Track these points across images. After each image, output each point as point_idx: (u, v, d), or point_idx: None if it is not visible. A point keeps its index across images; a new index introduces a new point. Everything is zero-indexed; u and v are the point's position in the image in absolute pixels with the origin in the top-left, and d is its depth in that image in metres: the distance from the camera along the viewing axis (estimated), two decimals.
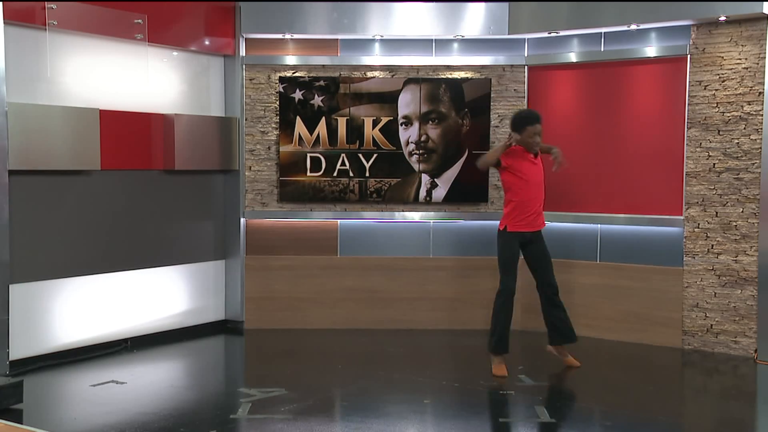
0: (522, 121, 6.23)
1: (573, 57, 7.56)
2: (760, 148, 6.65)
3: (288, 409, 5.37)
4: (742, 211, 6.79)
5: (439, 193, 7.76)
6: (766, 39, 6.59)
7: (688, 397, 6.18)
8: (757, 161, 6.68)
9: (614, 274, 7.43)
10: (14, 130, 5.93)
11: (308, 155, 7.74)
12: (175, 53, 7.38)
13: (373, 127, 7.72)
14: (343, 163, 7.75)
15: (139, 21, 6.84)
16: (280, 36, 7.71)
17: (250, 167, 7.82)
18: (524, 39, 7.73)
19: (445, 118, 7.72)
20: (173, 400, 5.72)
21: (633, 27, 7.12)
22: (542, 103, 7.75)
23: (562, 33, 7.47)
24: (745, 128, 6.75)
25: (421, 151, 7.73)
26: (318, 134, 7.73)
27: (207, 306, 7.78)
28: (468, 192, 7.76)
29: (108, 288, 6.89)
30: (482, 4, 7.53)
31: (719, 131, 6.87)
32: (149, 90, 7.12)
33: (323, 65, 7.79)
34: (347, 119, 7.73)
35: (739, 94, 6.77)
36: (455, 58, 7.79)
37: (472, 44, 7.79)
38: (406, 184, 7.77)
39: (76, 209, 6.62)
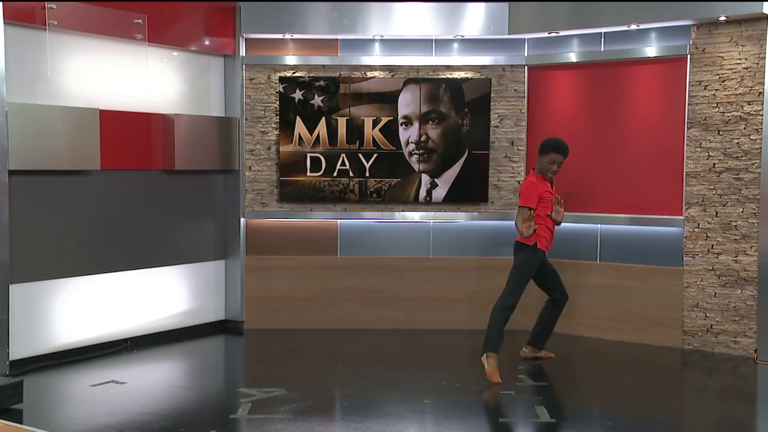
0: (549, 146, 6.48)
1: (573, 57, 7.56)
2: (760, 148, 6.65)
3: (288, 409, 5.37)
4: (742, 211, 6.79)
5: (439, 193, 7.76)
6: (766, 39, 6.59)
7: (688, 397, 6.18)
8: (757, 161, 6.68)
9: (614, 274, 7.43)
10: (14, 130, 5.94)
11: (308, 155, 7.74)
12: (175, 53, 7.38)
13: (373, 127, 7.72)
14: (343, 163, 7.75)
15: (139, 21, 6.84)
16: (280, 36, 7.71)
17: (250, 167, 7.82)
18: (524, 39, 7.73)
19: (445, 118, 7.72)
20: (173, 400, 5.72)
21: (633, 27, 7.12)
22: (542, 103, 7.76)
23: (562, 33, 7.47)
24: (745, 128, 6.75)
25: (421, 151, 7.73)
26: (318, 134, 7.73)
27: (207, 306, 7.78)
28: (468, 192, 7.76)
29: (108, 288, 6.89)
30: (482, 4, 7.53)
31: (719, 131, 6.87)
32: (149, 90, 7.12)
33: (323, 65, 7.79)
34: (347, 119, 7.73)
35: (739, 94, 6.77)
36: (455, 58, 7.79)
37: (472, 44, 7.79)
38: (406, 184, 7.77)
39: (76, 209, 6.62)
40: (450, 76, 7.77)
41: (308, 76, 7.75)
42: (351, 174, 7.75)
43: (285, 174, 7.77)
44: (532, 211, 6.34)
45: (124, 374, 6.22)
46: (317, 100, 7.72)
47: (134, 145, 6.97)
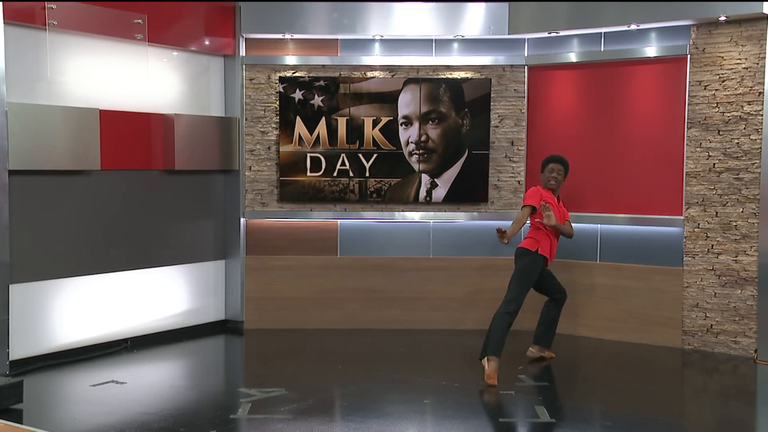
0: (546, 161, 6.69)
1: (573, 57, 7.56)
2: (760, 148, 6.65)
3: (288, 409, 5.37)
4: (742, 211, 6.79)
5: (439, 193, 7.76)
6: (766, 39, 6.59)
7: (688, 397, 6.18)
8: (757, 161, 6.68)
9: (614, 274, 7.43)
10: (14, 130, 5.94)
11: (308, 155, 7.74)
12: (175, 53, 7.38)
13: (373, 127, 7.72)
14: (343, 163, 7.75)
15: (139, 21, 6.84)
16: (280, 36, 7.71)
17: (250, 167, 7.82)
18: (524, 39, 7.73)
19: (445, 118, 7.72)
20: (173, 400, 5.72)
21: (633, 27, 7.12)
22: (542, 103, 7.76)
23: (562, 33, 7.47)
24: (745, 128, 6.75)
25: (421, 151, 7.73)
26: (318, 134, 7.73)
27: (207, 306, 7.78)
28: (468, 192, 7.76)
29: (108, 288, 6.89)
30: (482, 4, 7.53)
31: (719, 131, 6.87)
32: (149, 90, 7.12)
33: (323, 65, 7.79)
34: (347, 119, 7.73)
35: (739, 94, 6.77)
36: (455, 58, 7.79)
37: (472, 44, 7.79)
38: (406, 184, 7.77)
39: (76, 209, 6.62)
40: (450, 76, 7.77)
41: (308, 76, 7.75)
42: (351, 174, 7.75)
43: (285, 174, 7.77)
44: (530, 213, 6.40)
45: (124, 374, 6.22)
46: (317, 100, 7.72)
47: (134, 145, 6.97)
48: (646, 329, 7.26)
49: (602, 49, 7.43)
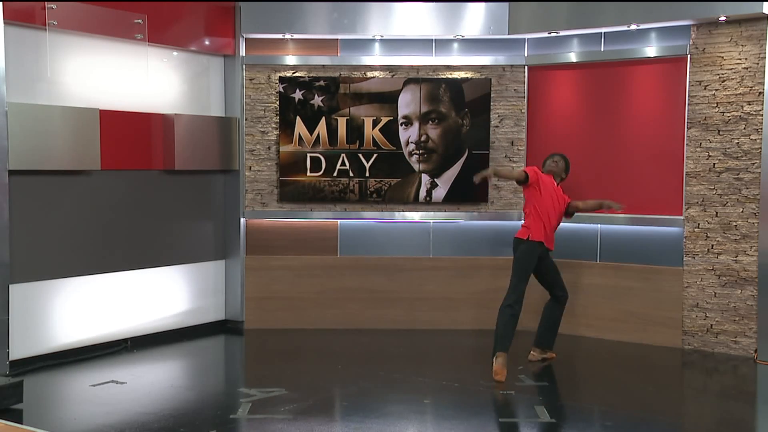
0: (546, 157, 6.85)
1: (573, 57, 7.56)
2: (760, 148, 6.65)
3: (288, 409, 5.37)
4: (742, 211, 6.79)
5: (439, 193, 7.76)
6: (766, 39, 6.59)
7: (688, 397, 6.18)
8: (757, 161, 6.68)
9: (614, 274, 7.43)
10: (14, 130, 5.94)
11: (308, 155, 7.74)
12: (175, 53, 7.38)
13: (373, 127, 7.72)
14: (343, 163, 7.75)
15: (139, 21, 6.84)
16: (280, 36, 7.71)
17: (250, 167, 7.82)
18: (524, 39, 7.73)
19: (445, 118, 7.72)
20: (173, 400, 5.72)
21: (633, 27, 7.12)
22: (542, 103, 7.76)
23: (562, 33, 7.47)
24: (745, 128, 6.75)
25: (421, 151, 7.73)
26: (318, 134, 7.73)
27: (207, 306, 7.78)
28: (468, 192, 7.76)
29: (108, 288, 6.89)
30: (482, 4, 7.53)
31: (719, 131, 6.87)
32: (149, 90, 7.12)
33: (323, 65, 7.79)
34: (347, 119, 7.73)
35: (739, 94, 6.77)
36: (455, 58, 7.79)
37: (472, 44, 7.79)
38: (406, 184, 7.77)
39: (76, 209, 6.62)
40: (450, 76, 7.77)
41: (308, 76, 7.75)
42: (351, 174, 7.75)
43: (285, 174, 7.77)
44: (523, 177, 6.44)
45: (124, 374, 6.22)
46: (317, 100, 7.72)
47: (134, 145, 6.97)
48: (646, 329, 7.26)
49: (602, 49, 7.43)
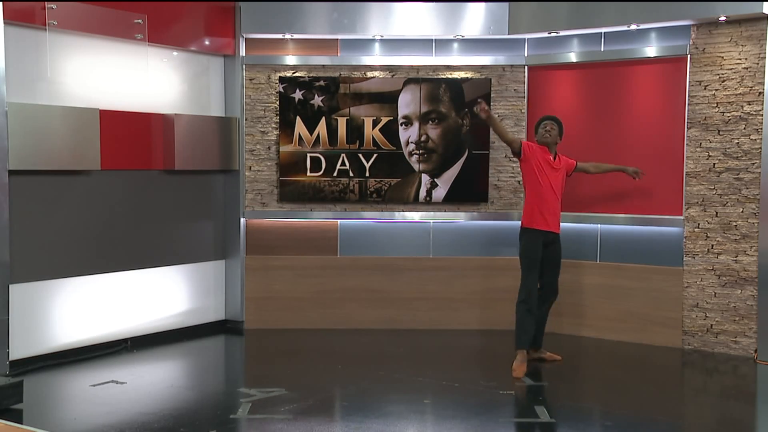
0: (537, 121, 6.71)
1: (573, 57, 7.56)
2: (760, 148, 6.65)
3: (288, 409, 5.37)
4: (742, 211, 6.79)
5: (439, 193, 7.76)
6: (766, 39, 6.59)
7: (688, 397, 6.18)
8: (757, 161, 6.68)
9: (614, 274, 7.43)
10: (14, 130, 5.94)
11: (308, 155, 7.74)
12: (175, 53, 7.38)
13: (373, 127, 7.72)
14: (343, 163, 7.75)
15: (139, 21, 6.84)
16: (280, 36, 7.71)
17: (250, 167, 7.82)
18: (524, 39, 7.73)
19: (445, 118, 7.72)
20: (173, 400, 5.72)
21: (633, 27, 7.12)
22: (542, 103, 7.76)
23: (562, 33, 7.47)
24: (745, 128, 6.75)
25: (421, 151, 7.73)
26: (318, 134, 7.73)
27: (207, 306, 7.78)
28: (468, 192, 7.76)
29: (108, 288, 6.89)
30: (482, 4, 7.53)
31: (719, 131, 6.87)
32: (149, 90, 7.12)
33: (323, 65, 7.79)
34: (347, 119, 7.73)
35: (739, 94, 6.77)
36: (455, 58, 7.79)
37: (472, 44, 7.79)
38: (406, 184, 7.77)
39: (76, 209, 6.62)
40: (450, 76, 7.77)
41: (308, 76, 7.75)
42: (351, 174, 7.75)
43: (285, 174, 7.77)
44: (514, 138, 6.55)
45: (124, 374, 6.22)
46: (317, 100, 7.72)
47: (134, 145, 6.97)
48: (646, 329, 7.26)
49: (602, 49, 7.43)
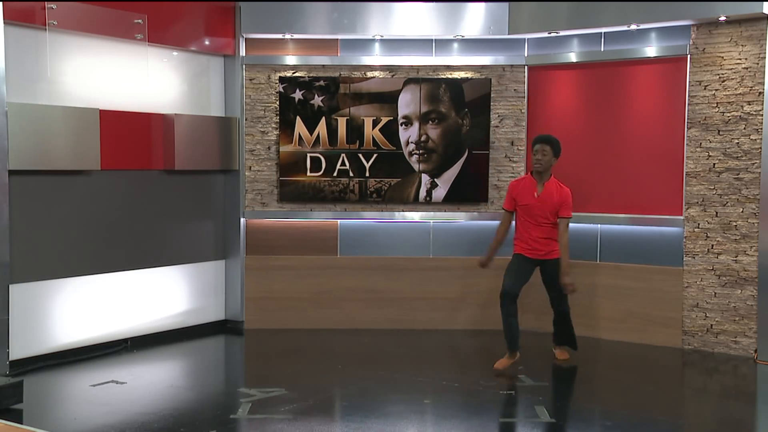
0: (532, 142, 6.62)
1: (573, 57, 7.56)
2: (760, 148, 6.65)
3: (288, 409, 5.37)
4: (742, 211, 6.79)
5: (439, 193, 7.76)
6: (766, 39, 6.59)
7: (688, 397, 6.18)
8: (757, 161, 6.68)
9: (614, 274, 7.43)
10: (14, 130, 5.94)
11: (308, 155, 7.74)
12: (175, 53, 7.38)
13: (373, 127, 7.72)
14: (343, 163, 7.75)
15: (139, 21, 6.84)
16: (280, 36, 7.71)
17: (250, 167, 7.82)
18: (524, 39, 7.73)
19: (445, 118, 7.72)
20: (173, 400, 5.72)
21: (633, 27, 7.12)
22: (542, 103, 7.76)
23: (562, 33, 7.47)
24: (745, 128, 6.75)
25: (421, 151, 7.73)
26: (318, 134, 7.73)
27: (207, 306, 7.78)
28: (468, 192, 7.76)
29: (108, 288, 6.89)
30: (482, 4, 7.53)
31: (719, 131, 6.87)
32: (149, 90, 7.12)
33: (323, 65, 7.79)
34: (347, 119, 7.73)
35: (739, 94, 6.77)
36: (455, 58, 7.79)
37: (472, 44, 7.78)
38: (406, 184, 7.77)
39: (76, 209, 6.62)
40: (450, 76, 7.77)
41: (308, 76, 7.75)
42: (351, 174, 7.75)
43: (285, 174, 7.77)
44: (509, 214, 6.63)
45: (124, 374, 6.22)
46: (317, 100, 7.72)
47: (134, 145, 6.97)
48: (646, 329, 7.26)
49: (602, 49, 7.43)
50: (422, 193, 7.76)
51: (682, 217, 7.09)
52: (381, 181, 7.76)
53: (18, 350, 6.16)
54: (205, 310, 7.77)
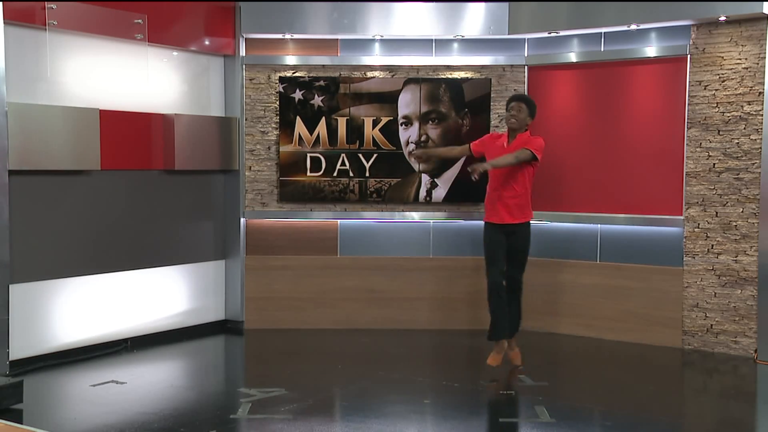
0: (506, 104, 6.57)
1: (573, 57, 7.56)
2: (760, 148, 6.65)
3: (288, 409, 5.37)
4: (742, 211, 6.79)
5: (439, 193, 7.76)
6: (766, 39, 6.59)
7: (688, 397, 6.18)
8: (757, 161, 6.68)
9: (614, 274, 7.43)
10: (14, 130, 5.94)
11: (308, 155, 7.74)
12: (175, 53, 7.38)
13: (373, 127, 7.72)
14: (343, 163, 7.75)
15: (139, 21, 6.84)
16: (280, 36, 7.71)
17: (250, 167, 7.82)
18: (524, 39, 7.73)
19: (445, 118, 7.72)
20: (173, 400, 5.72)
21: (633, 27, 7.11)
22: (542, 103, 7.74)
23: (562, 33, 7.47)
24: (745, 128, 6.75)
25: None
26: (318, 134, 7.73)
27: (207, 306, 7.78)
28: (468, 192, 7.75)
29: (108, 288, 6.89)
30: (482, 4, 7.53)
31: (719, 131, 6.87)
32: (149, 90, 7.12)
33: (323, 65, 7.79)
34: (347, 119, 7.73)
35: (739, 94, 6.77)
36: (455, 58, 7.79)
37: (472, 44, 7.78)
38: (406, 184, 7.77)
39: (76, 209, 6.62)
40: (450, 76, 7.77)
41: (308, 76, 7.75)
42: (351, 174, 7.75)
43: (285, 174, 7.77)
44: (466, 147, 6.66)
45: (124, 374, 6.22)
46: (317, 100, 7.72)
47: (134, 145, 6.97)
48: (646, 329, 7.26)
49: (602, 49, 7.43)
50: (422, 193, 7.76)
51: (682, 217, 7.09)
52: (381, 181, 7.76)
53: (18, 350, 6.16)
54: (205, 310, 7.77)
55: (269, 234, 7.88)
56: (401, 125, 7.73)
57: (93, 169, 6.64)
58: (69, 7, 6.36)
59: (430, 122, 7.72)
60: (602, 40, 7.42)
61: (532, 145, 6.33)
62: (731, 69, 6.79)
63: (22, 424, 4.84)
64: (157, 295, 7.31)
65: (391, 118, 7.72)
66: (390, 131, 7.73)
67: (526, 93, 7.76)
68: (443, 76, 7.77)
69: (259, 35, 7.73)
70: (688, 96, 7.01)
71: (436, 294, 7.85)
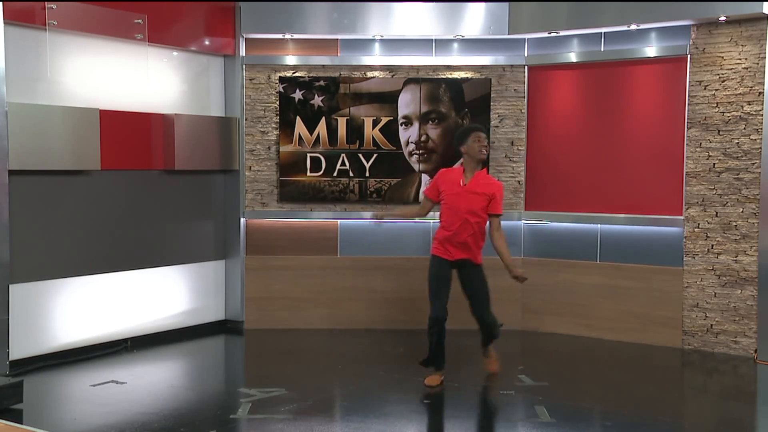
0: (466, 130, 6.11)
1: (573, 57, 7.56)
2: (760, 148, 6.65)
3: (288, 409, 5.37)
4: (742, 211, 6.79)
5: None
6: (766, 39, 6.59)
7: (688, 397, 6.18)
8: (757, 161, 6.68)
9: (614, 274, 7.43)
10: (14, 130, 5.94)
11: (308, 155, 7.75)
12: (175, 53, 7.38)
13: (373, 127, 7.73)
14: (343, 163, 7.75)
15: (139, 21, 6.84)
16: (280, 36, 7.71)
17: (250, 167, 7.82)
18: (524, 39, 7.73)
19: (445, 118, 7.72)
20: (173, 400, 5.72)
21: (633, 27, 7.12)
22: (542, 103, 7.76)
23: (562, 33, 7.47)
24: (745, 128, 6.75)
25: (421, 151, 7.73)
26: (318, 134, 7.73)
27: (207, 306, 7.78)
28: None
29: (108, 288, 6.89)
30: (482, 4, 7.54)
31: (719, 131, 6.87)
32: (149, 90, 7.12)
33: (323, 65, 7.79)
34: (347, 119, 7.73)
35: (739, 94, 6.77)
36: (455, 58, 7.79)
37: (472, 44, 7.78)
38: (406, 184, 7.77)
39: (76, 209, 6.62)
40: (450, 76, 7.77)
41: (308, 76, 7.75)
42: (351, 174, 7.75)
43: (285, 174, 7.77)
44: (426, 201, 6.15)
45: (124, 374, 6.22)
46: (317, 100, 7.72)
47: (134, 145, 6.98)
48: (646, 329, 7.26)
49: (602, 49, 7.43)
50: (422, 193, 7.75)
51: (682, 217, 7.09)
52: (381, 181, 7.76)
53: (18, 350, 6.17)
54: (205, 310, 7.77)
55: (269, 234, 7.88)
56: (401, 125, 7.73)
57: (93, 169, 6.64)
58: (69, 7, 6.36)
59: (430, 122, 7.72)
60: (602, 40, 7.42)
61: (498, 200, 5.90)
62: (731, 69, 6.79)
63: (22, 424, 4.83)
64: (157, 295, 7.31)
65: (391, 118, 7.72)
66: (390, 131, 7.73)
67: (525, 93, 7.77)
68: (443, 76, 7.77)
69: (259, 35, 7.73)
70: (688, 96, 7.01)
71: None
